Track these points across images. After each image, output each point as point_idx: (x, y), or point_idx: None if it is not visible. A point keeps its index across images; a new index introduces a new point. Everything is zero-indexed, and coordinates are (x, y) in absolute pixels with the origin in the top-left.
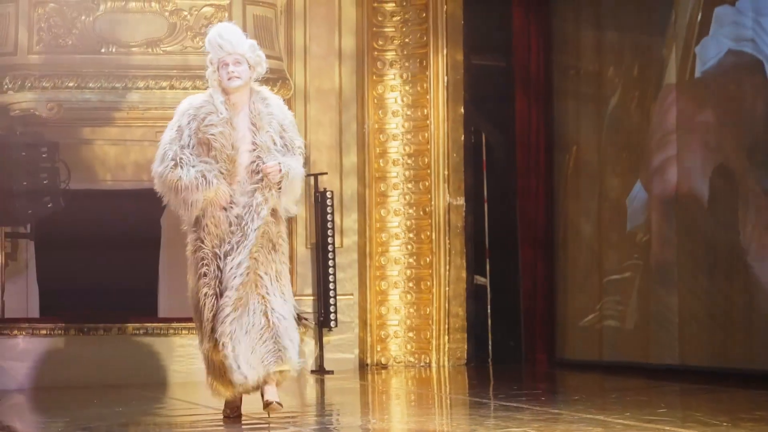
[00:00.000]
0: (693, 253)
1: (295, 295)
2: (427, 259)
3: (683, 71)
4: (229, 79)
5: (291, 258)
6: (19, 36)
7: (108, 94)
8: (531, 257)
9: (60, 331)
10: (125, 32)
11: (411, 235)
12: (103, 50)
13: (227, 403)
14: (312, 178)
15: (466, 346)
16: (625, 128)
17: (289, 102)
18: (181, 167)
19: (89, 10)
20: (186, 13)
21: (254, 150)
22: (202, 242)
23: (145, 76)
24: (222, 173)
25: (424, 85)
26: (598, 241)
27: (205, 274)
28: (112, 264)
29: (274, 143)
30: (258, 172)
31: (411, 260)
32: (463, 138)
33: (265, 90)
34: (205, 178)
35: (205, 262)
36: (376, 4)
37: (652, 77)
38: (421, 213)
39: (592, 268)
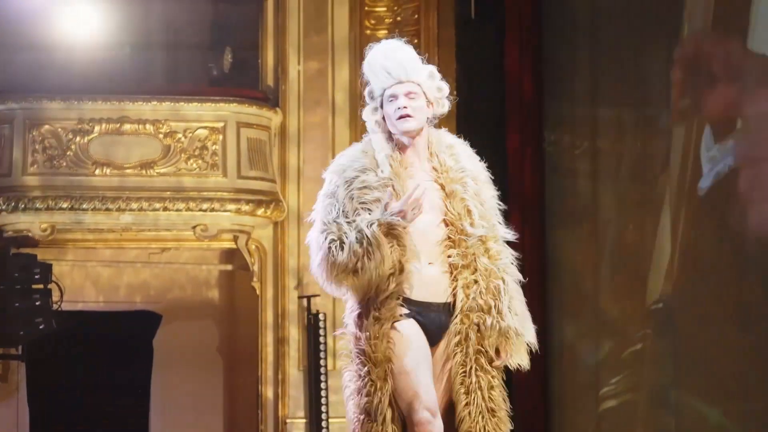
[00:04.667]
0: (690, 374)
1: (286, 417)
2: None
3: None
4: (398, 118)
5: (283, 380)
6: (14, 157)
7: (102, 216)
8: (524, 378)
9: None
10: (120, 154)
11: None
12: (97, 172)
13: None
14: (305, 300)
15: None
16: (624, 252)
17: (282, 224)
18: (346, 238)
19: (84, 132)
20: (180, 135)
21: (442, 225)
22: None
23: (138, 198)
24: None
25: None
26: (595, 364)
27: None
28: (103, 386)
29: (470, 216)
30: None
31: None
32: None
33: (446, 134)
34: (367, 238)
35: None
36: None
37: (651, 207)
38: None
39: (588, 393)
